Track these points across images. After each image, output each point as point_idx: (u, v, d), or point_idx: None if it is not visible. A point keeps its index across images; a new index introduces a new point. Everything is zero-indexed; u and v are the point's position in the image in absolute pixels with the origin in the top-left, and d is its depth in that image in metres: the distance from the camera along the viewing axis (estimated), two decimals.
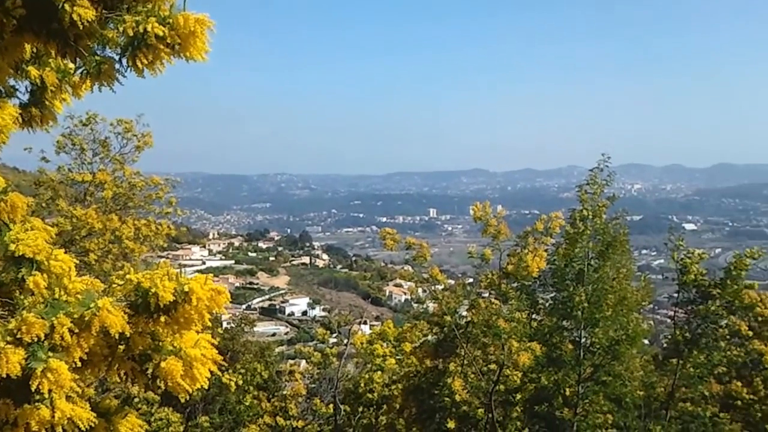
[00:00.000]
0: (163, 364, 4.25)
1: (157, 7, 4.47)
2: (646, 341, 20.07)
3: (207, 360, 4.35)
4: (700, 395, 15.61)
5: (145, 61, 4.49)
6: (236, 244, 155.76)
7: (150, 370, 4.33)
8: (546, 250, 15.44)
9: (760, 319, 17.81)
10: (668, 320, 19.22)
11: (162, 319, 4.20)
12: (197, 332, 4.45)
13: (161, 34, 4.37)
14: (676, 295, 16.30)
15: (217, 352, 4.50)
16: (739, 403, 16.24)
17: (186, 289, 4.14)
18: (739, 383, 16.51)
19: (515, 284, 15.30)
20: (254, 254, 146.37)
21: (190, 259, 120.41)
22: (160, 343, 4.34)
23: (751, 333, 17.43)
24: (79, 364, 4.10)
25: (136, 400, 16.37)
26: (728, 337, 17.07)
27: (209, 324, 4.35)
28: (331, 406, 18.08)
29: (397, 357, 18.13)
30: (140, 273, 4.24)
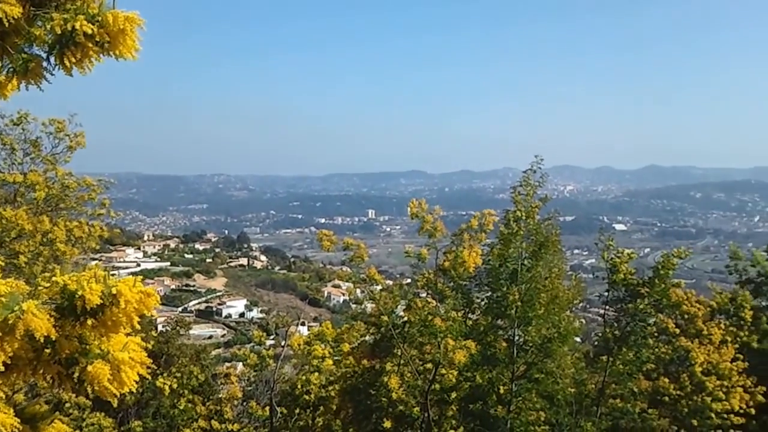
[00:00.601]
0: (89, 368, 4.16)
1: (86, 5, 4.40)
2: (577, 339, 20.55)
3: (135, 363, 4.28)
4: (629, 391, 16.08)
5: (74, 60, 4.42)
6: (172, 245, 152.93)
7: (77, 374, 4.23)
8: (482, 249, 15.68)
9: (686, 316, 18.48)
10: (599, 318, 19.74)
11: (89, 322, 4.11)
12: (127, 335, 4.38)
13: (90, 32, 4.30)
14: (606, 293, 16.75)
15: (147, 355, 4.43)
16: (667, 398, 16.75)
17: (114, 291, 4.06)
18: (667, 379, 17.03)
19: (451, 283, 15.48)
20: (191, 256, 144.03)
21: (125, 262, 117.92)
22: (88, 347, 4.25)
23: (678, 330, 18.05)
24: (2, 368, 3.98)
25: (68, 405, 15.95)
26: (656, 334, 17.64)
27: (138, 327, 4.28)
28: (267, 408, 17.93)
29: (335, 358, 18.11)
30: (67, 275, 4.14)
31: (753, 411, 16.47)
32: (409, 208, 15.14)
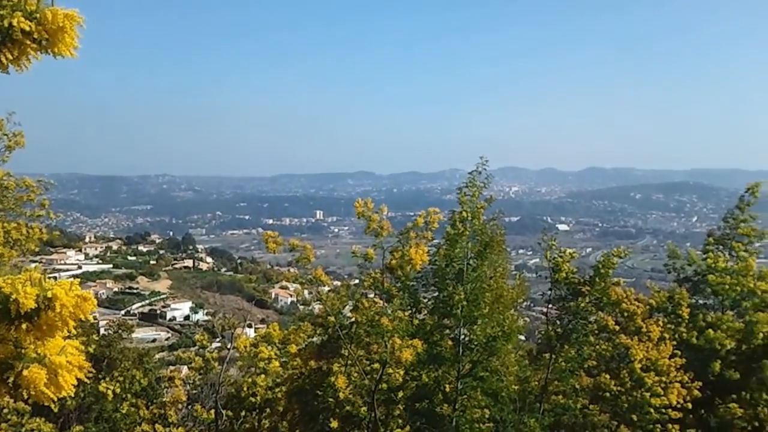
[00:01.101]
0: (25, 373, 4.07)
1: (23, 1, 4.32)
2: (522, 337, 20.84)
3: (73, 367, 4.21)
4: (571, 388, 16.39)
5: (10, 57, 4.35)
6: (114, 247, 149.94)
7: (12, 379, 4.13)
8: (428, 248, 15.80)
9: (626, 314, 18.91)
10: (543, 317, 20.07)
11: (24, 326, 4.02)
12: (66, 339, 4.30)
13: (27, 29, 4.24)
14: (549, 292, 17.06)
15: (87, 359, 4.36)
16: (608, 394, 17.08)
17: (49, 295, 3.98)
18: (608, 376, 17.38)
19: (398, 283, 15.57)
20: (134, 258, 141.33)
21: (65, 264, 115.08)
22: (23, 351, 4.16)
23: (618, 328, 18.46)
24: None
25: (6, 410, 15.49)
26: (597, 332, 18.02)
27: (75, 331, 4.19)
28: (212, 411, 17.73)
29: (282, 360, 18.02)
30: (1, 278, 4.04)
31: (690, 405, 16.92)
32: (355, 208, 15.16)
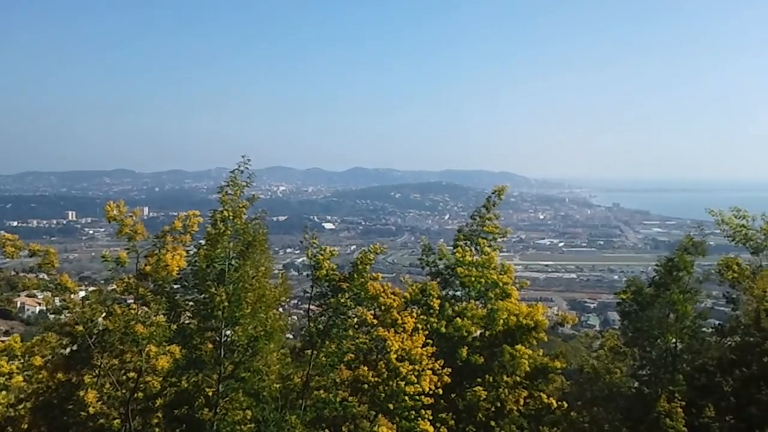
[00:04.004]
0: None
1: None
2: (290, 335, 21.03)
3: None
4: (331, 382, 16.82)
5: None
6: None
7: None
8: (186, 250, 15.35)
9: (383, 308, 19.86)
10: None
11: None
12: None
13: None
14: (311, 289, 17.35)
15: None
16: (366, 386, 17.76)
17: None
18: (366, 368, 18.10)
19: (155, 288, 14.94)
20: None
21: None
22: None
23: (376, 321, 19.32)
24: None
25: None
26: (356, 326, 18.71)
27: None
28: None
29: (26, 373, 16.53)
30: None
31: (441, 391, 18.15)
32: (106, 211, 14.30)
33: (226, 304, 14.37)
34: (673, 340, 21.24)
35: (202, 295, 15.15)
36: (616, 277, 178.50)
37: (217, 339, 14.98)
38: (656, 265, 22.26)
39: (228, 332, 14.96)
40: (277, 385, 15.47)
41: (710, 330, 23.00)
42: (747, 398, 19.78)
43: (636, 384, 21.90)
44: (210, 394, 14.76)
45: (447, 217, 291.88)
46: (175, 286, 15.85)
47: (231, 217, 15.18)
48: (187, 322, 15.84)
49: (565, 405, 20.34)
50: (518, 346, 20.19)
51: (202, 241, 15.38)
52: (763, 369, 19.92)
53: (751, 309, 21.05)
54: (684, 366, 21.70)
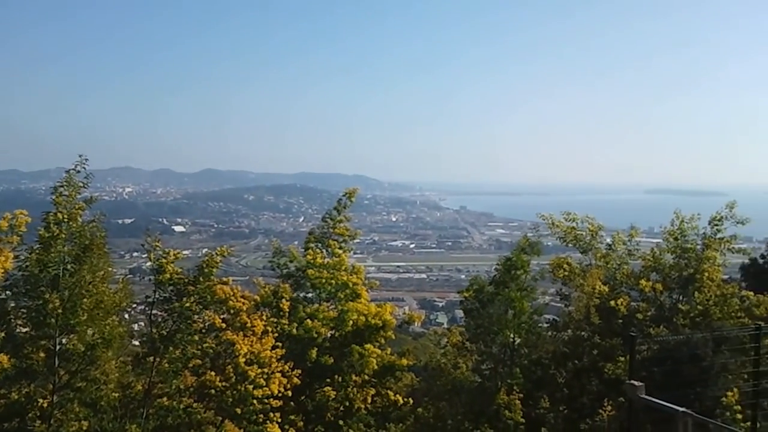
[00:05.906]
0: None
1: None
2: (136, 342, 20.21)
3: None
4: (175, 389, 16.40)
5: None
6: None
7: None
8: (17, 255, 14.48)
9: (232, 311, 19.56)
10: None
11: None
12: None
13: None
14: (153, 294, 16.82)
15: None
16: (213, 391, 17.43)
17: None
18: (213, 373, 17.76)
19: None
20: None
21: None
22: None
23: (224, 325, 18.98)
24: None
25: None
26: (204, 330, 18.29)
27: None
28: None
29: None
30: None
31: (290, 393, 18.16)
32: None
33: (60, 311, 13.73)
34: (512, 336, 22.43)
35: (35, 302, 14.39)
36: (463, 276, 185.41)
37: (51, 347, 14.27)
38: (496, 264, 23.48)
39: (63, 340, 14.29)
40: (116, 394, 14.92)
41: (545, 325, 24.58)
42: (579, 389, 21.28)
43: (478, 378, 22.96)
44: (44, 405, 14.01)
45: (302, 219, 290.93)
46: (7, 292, 14.92)
47: (66, 220, 14.53)
48: (17, 330, 14.95)
49: (411, 401, 20.94)
50: (367, 345, 20.55)
51: (35, 245, 14.60)
52: (593, 361, 21.48)
53: (582, 305, 22.65)
54: (522, 360, 22.96)
